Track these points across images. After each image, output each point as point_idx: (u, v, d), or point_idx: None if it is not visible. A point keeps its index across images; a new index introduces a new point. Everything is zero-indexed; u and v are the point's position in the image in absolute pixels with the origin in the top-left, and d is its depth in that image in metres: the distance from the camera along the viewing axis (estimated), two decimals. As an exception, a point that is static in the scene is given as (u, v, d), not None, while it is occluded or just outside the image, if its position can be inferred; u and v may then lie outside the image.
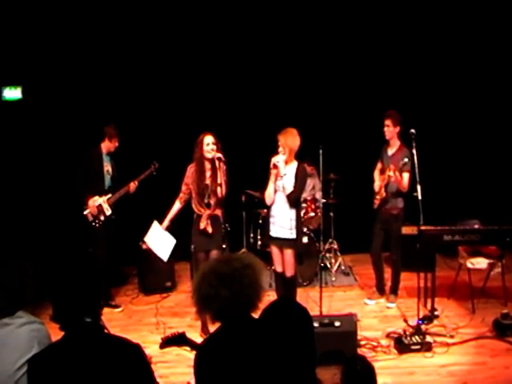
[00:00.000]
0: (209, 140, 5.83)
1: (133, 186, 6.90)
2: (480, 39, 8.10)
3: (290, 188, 5.74)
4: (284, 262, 5.89)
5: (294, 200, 5.77)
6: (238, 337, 2.58)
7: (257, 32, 8.18)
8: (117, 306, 7.05)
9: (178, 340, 3.81)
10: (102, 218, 6.80)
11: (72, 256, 2.63)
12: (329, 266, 7.97)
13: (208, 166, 5.89)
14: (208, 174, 5.90)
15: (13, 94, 7.41)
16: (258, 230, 7.96)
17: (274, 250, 5.95)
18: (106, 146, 6.88)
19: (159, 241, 6.04)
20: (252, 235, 8.18)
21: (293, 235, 5.80)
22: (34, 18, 7.33)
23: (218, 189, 5.81)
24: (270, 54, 8.29)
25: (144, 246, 6.80)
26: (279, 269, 5.95)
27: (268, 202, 5.90)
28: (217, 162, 5.81)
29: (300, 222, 5.93)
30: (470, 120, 8.28)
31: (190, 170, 5.95)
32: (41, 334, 2.98)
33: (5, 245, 6.18)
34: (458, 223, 6.49)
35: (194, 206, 5.97)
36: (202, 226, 5.83)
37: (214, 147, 5.84)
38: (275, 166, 5.73)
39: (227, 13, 8.11)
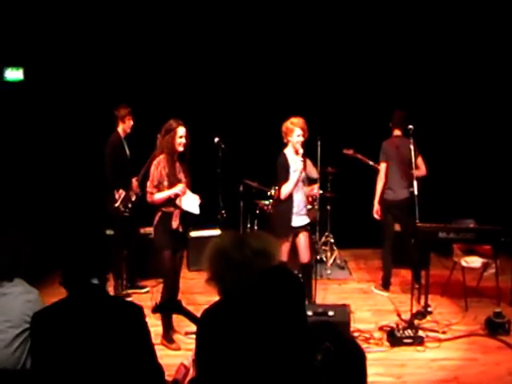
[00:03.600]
0: (182, 132, 5.42)
1: None
2: (482, 38, 8.11)
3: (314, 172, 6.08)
4: (302, 247, 6.02)
5: None
6: (239, 310, 2.60)
7: (257, 24, 8.21)
8: (143, 287, 7.17)
9: (173, 306, 3.74)
10: (130, 205, 6.77)
11: (81, 221, 2.70)
12: (324, 259, 7.99)
13: (176, 159, 5.53)
14: (178, 168, 5.56)
15: (14, 74, 7.40)
16: (256, 221, 7.97)
17: (290, 241, 5.95)
18: (123, 128, 6.75)
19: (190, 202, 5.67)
20: (249, 225, 8.18)
21: (308, 219, 6.12)
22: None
23: None
24: (270, 44, 8.31)
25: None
26: (285, 258, 5.88)
27: (284, 198, 5.91)
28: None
29: None
30: (467, 119, 8.30)
31: (160, 164, 5.44)
32: (36, 304, 3.02)
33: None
34: (453, 222, 6.55)
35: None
36: (175, 225, 5.50)
37: (184, 141, 5.45)
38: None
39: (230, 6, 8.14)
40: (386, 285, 7.09)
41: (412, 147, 6.14)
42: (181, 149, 5.45)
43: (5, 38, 7.07)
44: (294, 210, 5.91)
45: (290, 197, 5.90)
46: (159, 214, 5.53)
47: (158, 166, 5.41)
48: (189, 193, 5.58)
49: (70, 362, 2.42)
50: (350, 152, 7.61)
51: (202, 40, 8.29)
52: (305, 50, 8.39)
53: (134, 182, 6.78)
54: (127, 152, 6.84)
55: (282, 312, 2.30)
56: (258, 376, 2.38)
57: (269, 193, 7.64)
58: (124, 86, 7.91)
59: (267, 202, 7.66)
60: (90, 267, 2.55)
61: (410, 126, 6.27)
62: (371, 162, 7.46)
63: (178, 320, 5.59)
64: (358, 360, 2.24)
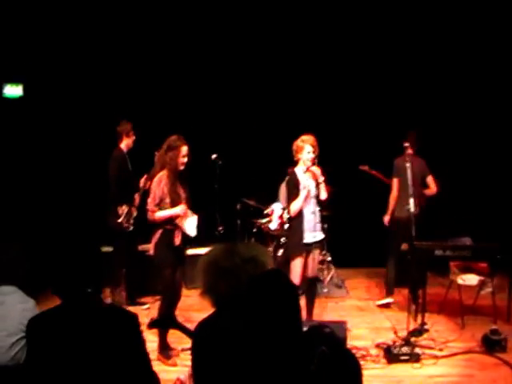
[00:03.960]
0: (186, 151, 5.44)
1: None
2: (498, 58, 8.22)
3: (323, 193, 5.96)
4: (312, 263, 6.00)
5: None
6: (232, 320, 2.60)
7: (258, 40, 8.32)
8: (144, 304, 7.15)
9: (167, 321, 3.78)
10: (132, 220, 6.82)
11: (75, 231, 2.72)
12: (321, 277, 7.98)
13: (177, 176, 5.52)
14: (178, 186, 5.54)
15: (14, 91, 7.46)
16: (253, 239, 7.97)
17: (301, 259, 5.91)
18: (126, 143, 6.82)
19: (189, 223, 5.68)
20: (246, 244, 8.18)
21: (323, 235, 6.11)
22: (35, 15, 7.40)
23: None
24: (272, 61, 8.43)
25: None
26: (297, 280, 5.78)
27: (293, 215, 5.95)
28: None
29: None
30: (463, 137, 8.40)
31: (161, 181, 5.42)
32: (33, 313, 3.03)
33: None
34: (449, 240, 6.58)
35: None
36: (177, 242, 5.51)
37: (186, 160, 5.47)
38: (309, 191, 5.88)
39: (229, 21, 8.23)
40: (390, 290, 7.23)
41: (408, 165, 6.19)
42: (182, 167, 5.49)
43: (4, 54, 7.13)
44: (306, 226, 5.91)
45: (300, 214, 5.92)
46: (160, 231, 5.51)
47: (160, 184, 5.41)
48: (189, 213, 5.60)
49: (65, 368, 2.43)
50: (366, 168, 7.70)
51: (199, 56, 8.38)
52: (302, 71, 8.49)
53: (137, 197, 6.81)
54: (130, 167, 6.88)
55: (276, 318, 2.27)
56: None
57: (265, 211, 7.67)
58: (122, 102, 7.98)
59: (264, 221, 7.68)
60: (82, 275, 2.56)
61: (406, 144, 6.35)
62: (386, 179, 7.56)
63: (175, 336, 5.57)
64: (353, 364, 2.25)
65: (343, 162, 8.00)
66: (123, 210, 6.69)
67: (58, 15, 7.55)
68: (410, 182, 6.15)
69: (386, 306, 7.19)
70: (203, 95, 8.45)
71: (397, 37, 8.30)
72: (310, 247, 5.98)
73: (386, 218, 7.22)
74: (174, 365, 5.46)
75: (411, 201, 6.07)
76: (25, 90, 7.44)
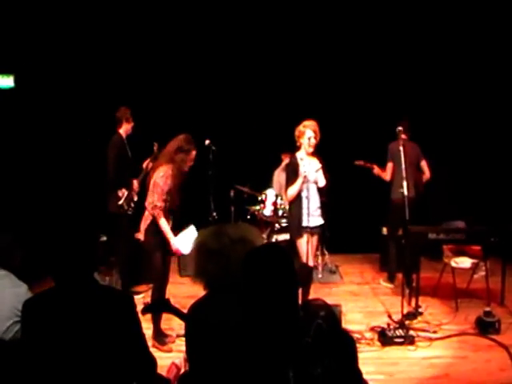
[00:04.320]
0: (194, 155, 5.51)
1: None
2: (486, 46, 8.20)
3: (321, 180, 5.98)
4: (311, 248, 5.96)
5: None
6: (225, 299, 2.61)
7: (253, 28, 8.31)
8: (138, 293, 7.06)
9: (161, 305, 3.78)
10: (132, 204, 6.82)
11: (69, 212, 2.73)
12: (315, 263, 7.98)
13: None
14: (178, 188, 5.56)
15: (5, 82, 7.42)
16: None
17: (304, 240, 5.92)
18: (125, 129, 6.80)
19: (185, 240, 5.62)
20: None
21: (322, 221, 6.13)
22: (26, 6, 7.35)
23: None
24: (267, 48, 8.42)
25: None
26: (305, 259, 5.90)
27: (289, 199, 6.00)
28: None
29: None
30: (458, 122, 8.41)
31: (168, 178, 5.36)
32: (26, 297, 3.04)
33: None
34: (443, 223, 6.61)
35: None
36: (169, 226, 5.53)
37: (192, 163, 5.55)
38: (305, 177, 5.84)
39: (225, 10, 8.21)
40: (391, 278, 7.37)
41: (401, 148, 6.20)
42: (187, 169, 5.51)
43: (-5, 45, 7.11)
44: (304, 210, 5.90)
45: (298, 198, 5.93)
46: (151, 216, 5.50)
47: (167, 181, 5.36)
48: (185, 234, 5.60)
49: (60, 348, 2.44)
50: (361, 163, 7.66)
51: (194, 42, 8.37)
52: (300, 63, 8.48)
53: (135, 183, 6.81)
54: (129, 153, 6.88)
55: (270, 293, 2.25)
56: (248, 364, 2.37)
57: (259, 198, 7.68)
58: (114, 89, 7.97)
59: (258, 207, 7.70)
60: (76, 256, 2.55)
61: (400, 128, 6.35)
62: (382, 170, 7.48)
63: (169, 323, 5.60)
64: (348, 337, 2.26)
65: (336, 149, 8.00)
66: (123, 193, 6.69)
67: (48, 5, 7.50)
68: (403, 165, 6.16)
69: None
70: (197, 81, 8.43)
71: (386, 31, 8.32)
72: (310, 231, 5.93)
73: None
74: (170, 351, 5.47)
75: (404, 184, 6.08)
76: (16, 80, 7.39)
